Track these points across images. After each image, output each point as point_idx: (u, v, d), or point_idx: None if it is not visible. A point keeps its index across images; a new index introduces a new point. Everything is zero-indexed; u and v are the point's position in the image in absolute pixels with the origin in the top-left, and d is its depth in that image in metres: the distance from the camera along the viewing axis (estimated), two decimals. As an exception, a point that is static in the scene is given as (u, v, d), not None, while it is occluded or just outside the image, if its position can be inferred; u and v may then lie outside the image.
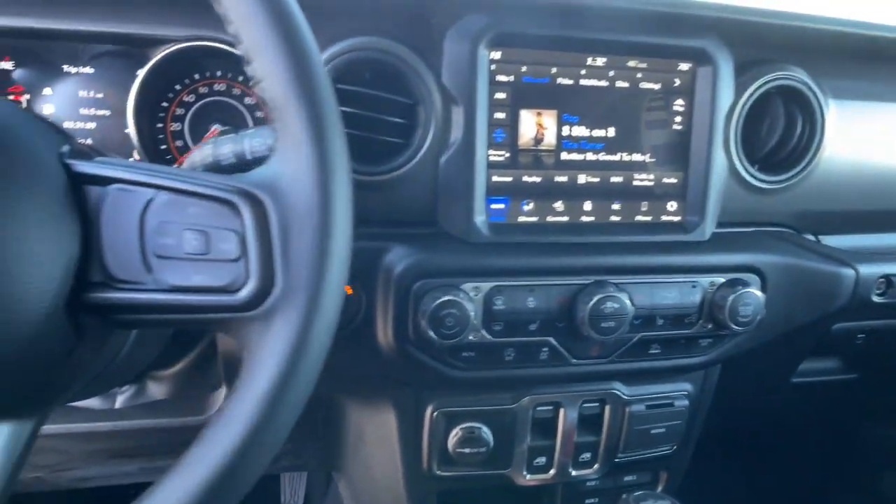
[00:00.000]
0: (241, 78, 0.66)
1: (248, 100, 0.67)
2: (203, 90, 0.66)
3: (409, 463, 0.72)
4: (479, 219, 0.62)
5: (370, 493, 0.83)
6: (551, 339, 0.64)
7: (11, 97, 0.62)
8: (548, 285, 0.63)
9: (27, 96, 0.64)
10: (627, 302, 0.62)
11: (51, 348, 0.38)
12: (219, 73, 0.66)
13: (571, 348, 0.65)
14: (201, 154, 0.53)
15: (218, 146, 0.52)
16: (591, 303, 0.61)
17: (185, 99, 0.66)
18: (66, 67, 0.65)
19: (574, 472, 0.74)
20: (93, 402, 0.80)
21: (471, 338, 0.61)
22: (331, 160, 0.37)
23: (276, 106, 0.38)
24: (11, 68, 0.63)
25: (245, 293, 0.37)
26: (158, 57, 0.60)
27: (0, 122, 0.37)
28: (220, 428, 0.36)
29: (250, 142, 0.51)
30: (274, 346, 0.37)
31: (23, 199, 0.35)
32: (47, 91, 0.65)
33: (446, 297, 0.59)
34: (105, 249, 0.37)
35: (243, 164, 0.52)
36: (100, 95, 0.65)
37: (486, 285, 0.62)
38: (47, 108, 0.65)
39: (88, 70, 0.65)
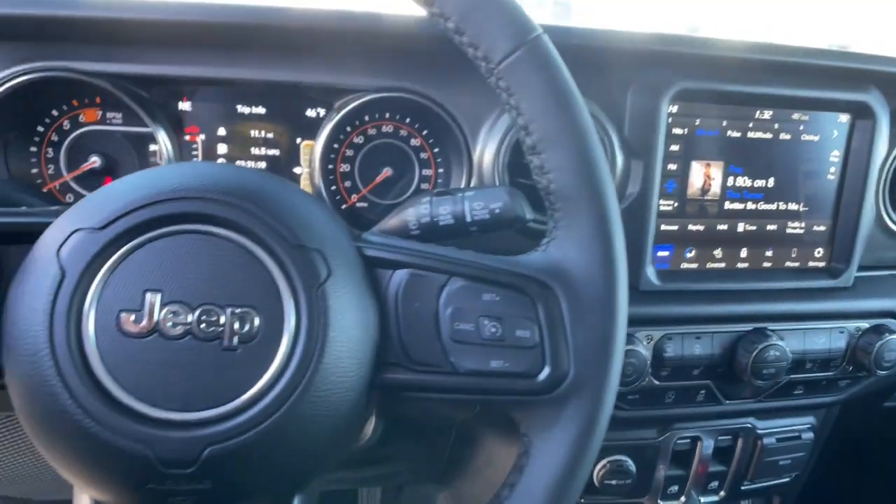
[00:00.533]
0: (407, 120, 0.67)
1: (413, 142, 0.68)
2: (371, 132, 0.67)
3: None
4: (650, 269, 0.64)
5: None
6: (710, 383, 0.67)
7: (188, 136, 0.62)
8: (712, 332, 0.65)
9: (202, 136, 0.65)
10: (787, 350, 0.65)
11: (353, 426, 0.40)
12: (387, 115, 0.67)
13: (726, 390, 0.68)
14: (416, 212, 0.54)
15: (435, 206, 0.53)
16: (756, 351, 0.64)
17: (355, 140, 0.67)
18: (239, 108, 0.65)
19: (702, 500, 0.78)
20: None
21: (642, 383, 0.64)
22: (617, 257, 0.39)
23: (563, 196, 0.39)
24: (189, 109, 0.63)
25: (542, 378, 0.39)
26: (350, 107, 0.61)
27: (312, 217, 0.38)
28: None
29: (470, 204, 0.52)
30: (568, 429, 0.39)
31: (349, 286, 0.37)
32: (221, 131, 0.65)
33: (627, 347, 0.61)
34: (402, 332, 0.39)
35: (461, 226, 0.53)
36: (270, 135, 0.66)
37: (658, 333, 0.64)
38: (220, 148, 0.66)
39: (261, 110, 0.65)
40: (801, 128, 0.67)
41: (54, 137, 0.60)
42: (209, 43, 0.59)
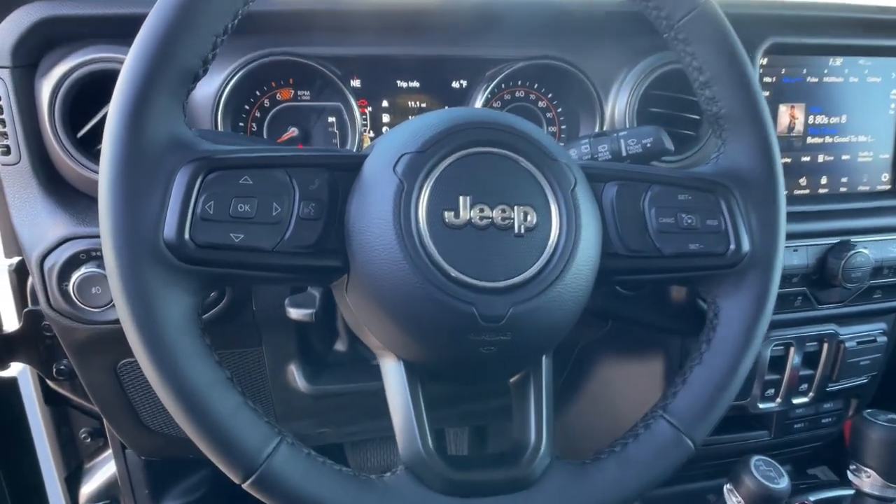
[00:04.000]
0: (535, 85, 0.79)
1: (541, 104, 0.80)
2: (507, 97, 0.79)
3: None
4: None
5: (589, 436, 0.98)
6: (805, 289, 0.80)
7: (359, 109, 0.74)
8: (806, 245, 0.78)
9: (370, 109, 0.77)
10: (871, 257, 0.77)
11: (585, 304, 0.52)
12: (519, 83, 0.79)
13: (818, 296, 0.81)
14: (578, 152, 0.66)
15: (594, 145, 0.65)
16: (845, 259, 0.76)
17: (494, 105, 0.79)
18: (398, 83, 0.77)
19: (794, 401, 0.90)
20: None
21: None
22: (776, 160, 0.52)
23: (731, 119, 0.52)
24: (359, 86, 0.75)
25: (728, 255, 0.51)
26: (503, 75, 0.73)
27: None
28: (718, 354, 0.51)
29: (625, 141, 0.64)
30: (750, 292, 0.51)
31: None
32: (384, 103, 0.77)
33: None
34: (619, 227, 0.51)
35: (617, 160, 0.65)
36: (424, 105, 0.78)
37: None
38: (384, 117, 0.78)
39: (415, 84, 0.77)
40: (866, 72, 0.80)
41: (257, 114, 0.72)
42: (378, 27, 0.71)
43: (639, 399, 0.92)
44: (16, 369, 0.94)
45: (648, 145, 0.64)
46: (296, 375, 0.79)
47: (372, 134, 0.78)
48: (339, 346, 0.81)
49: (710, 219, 0.52)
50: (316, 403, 0.83)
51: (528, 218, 0.45)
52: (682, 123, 0.74)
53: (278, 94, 0.73)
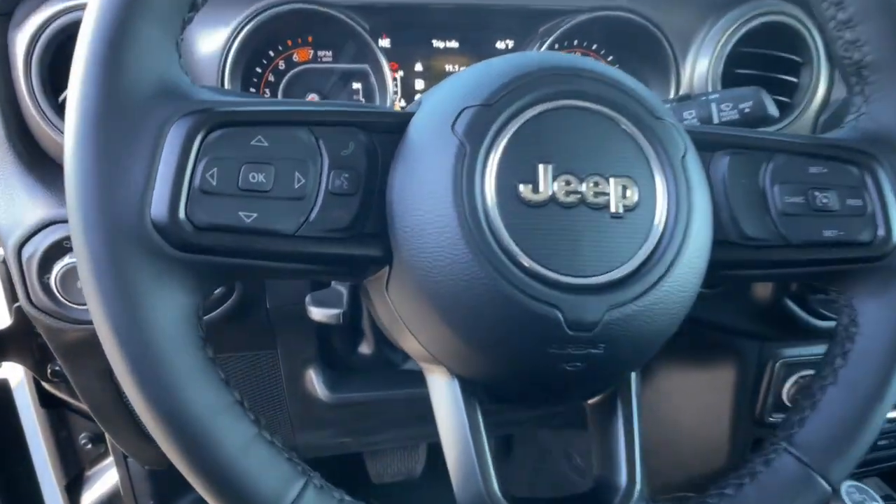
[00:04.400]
0: (594, 46, 0.67)
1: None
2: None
3: (739, 409, 0.76)
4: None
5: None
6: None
7: (389, 73, 0.63)
8: None
9: (401, 73, 0.66)
10: None
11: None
12: (575, 42, 0.68)
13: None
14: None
15: (678, 111, 0.54)
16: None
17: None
18: (434, 42, 0.66)
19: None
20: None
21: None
22: None
23: (878, 68, 0.40)
24: (388, 46, 0.65)
25: (875, 244, 0.40)
26: (560, 30, 0.62)
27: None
28: (859, 371, 0.40)
29: (717, 106, 0.53)
30: None
31: None
32: (418, 66, 0.66)
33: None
34: (733, 209, 0.40)
35: (706, 127, 0.54)
36: (463, 68, 0.67)
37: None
38: (417, 83, 0.67)
39: (454, 44, 0.67)
40: None
41: (271, 78, 0.62)
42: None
43: (704, 414, 0.81)
44: (7, 370, 0.87)
45: (747, 111, 0.52)
46: (315, 382, 0.69)
47: (403, 103, 0.68)
48: (365, 348, 0.71)
49: (851, 198, 0.40)
50: (337, 412, 0.74)
51: (628, 193, 0.34)
52: (774, 88, 0.62)
53: (295, 55, 0.63)
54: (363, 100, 0.64)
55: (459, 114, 0.34)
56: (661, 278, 0.34)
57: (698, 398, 0.79)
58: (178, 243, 0.32)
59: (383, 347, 0.72)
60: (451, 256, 0.33)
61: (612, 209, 0.34)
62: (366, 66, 0.62)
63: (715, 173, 0.40)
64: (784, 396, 0.74)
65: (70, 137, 0.31)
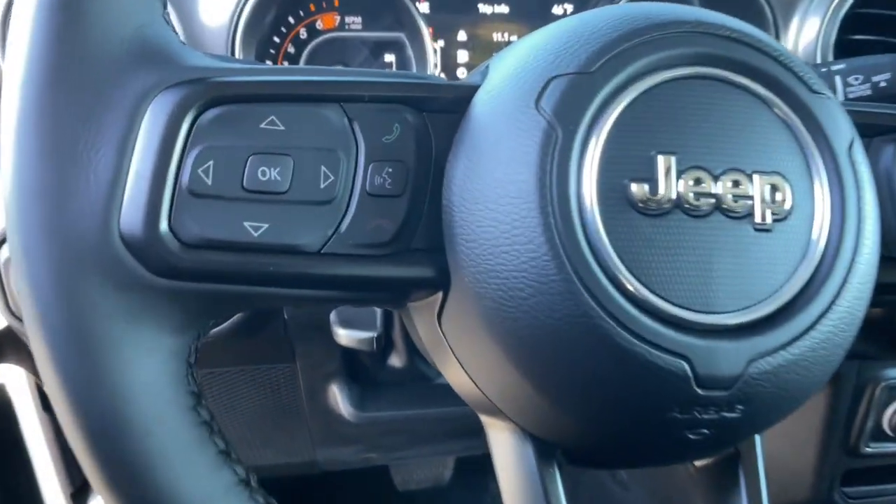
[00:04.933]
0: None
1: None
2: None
3: (829, 437, 0.66)
4: None
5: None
6: None
7: (430, 43, 0.54)
8: None
9: (441, 43, 0.57)
10: None
11: None
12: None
13: None
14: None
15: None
16: None
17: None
18: (481, 7, 0.57)
19: None
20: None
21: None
22: None
23: None
24: (427, 12, 0.55)
25: None
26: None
27: None
28: None
29: (843, 79, 0.42)
30: None
31: None
32: (461, 35, 0.57)
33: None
34: None
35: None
36: (514, 38, 0.58)
37: None
38: (460, 55, 0.58)
39: (504, 9, 0.57)
40: None
41: (290, 49, 0.53)
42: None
43: (788, 440, 0.71)
44: (5, 373, 0.83)
45: (883, 84, 0.42)
46: (339, 399, 0.61)
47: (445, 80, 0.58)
48: (395, 360, 0.62)
49: None
50: (362, 430, 0.66)
51: (779, 197, 0.25)
52: None
53: (319, 21, 0.54)
54: (396, 75, 0.55)
55: (546, 85, 0.25)
56: (822, 314, 0.25)
57: (782, 423, 0.69)
58: (159, 266, 0.23)
59: (416, 360, 0.64)
60: (533, 283, 0.24)
61: (758, 219, 0.25)
62: (401, 35, 0.53)
63: (877, 166, 0.30)
64: (885, 424, 0.64)
65: (7, 117, 0.22)
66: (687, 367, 0.24)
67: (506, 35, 0.57)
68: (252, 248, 0.24)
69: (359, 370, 0.64)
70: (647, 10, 0.27)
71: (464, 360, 0.29)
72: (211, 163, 0.24)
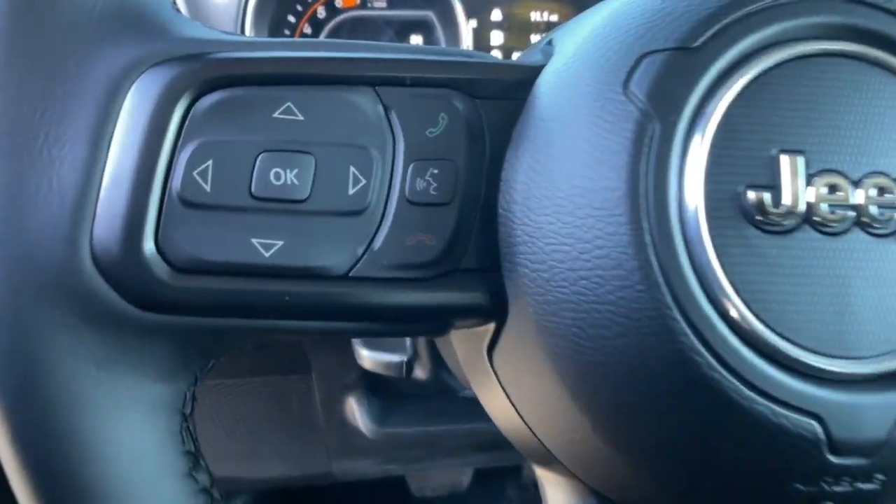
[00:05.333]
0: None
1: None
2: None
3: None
4: None
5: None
6: None
7: (464, 22, 0.48)
8: None
9: (473, 23, 0.51)
10: None
11: None
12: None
13: None
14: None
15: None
16: None
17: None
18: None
19: None
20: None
21: None
22: None
23: None
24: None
25: None
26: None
27: None
28: None
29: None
30: None
31: None
32: (496, 15, 0.52)
33: None
34: None
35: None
36: (555, 17, 0.52)
37: None
38: (494, 37, 0.52)
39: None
40: None
41: (307, 30, 0.48)
42: None
43: None
44: None
45: None
46: (357, 413, 0.56)
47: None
48: (419, 371, 0.58)
49: None
50: (382, 444, 0.62)
51: None
52: None
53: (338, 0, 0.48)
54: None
55: (636, 63, 0.20)
56: None
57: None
58: (143, 297, 0.19)
59: (441, 371, 0.59)
60: (622, 319, 0.19)
61: None
62: (429, 14, 0.47)
63: None
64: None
65: None
66: (819, 428, 0.19)
67: (545, 15, 0.51)
68: (263, 271, 0.20)
69: (378, 382, 0.59)
70: None
71: (519, 402, 0.24)
72: (210, 163, 0.19)
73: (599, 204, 0.19)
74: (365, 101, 0.20)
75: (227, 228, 0.19)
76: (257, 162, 0.19)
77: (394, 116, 0.21)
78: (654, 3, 0.21)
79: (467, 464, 0.84)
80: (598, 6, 0.24)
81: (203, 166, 0.19)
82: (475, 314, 0.23)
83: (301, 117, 0.20)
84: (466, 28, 0.49)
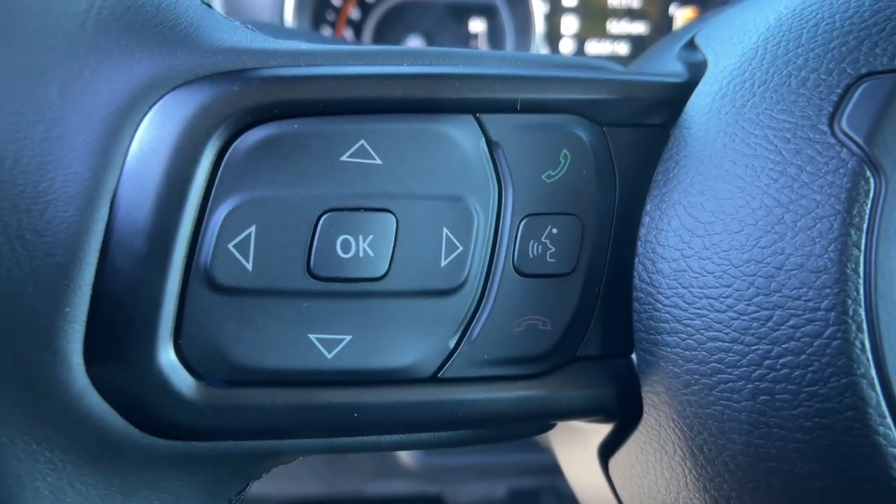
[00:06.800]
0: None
1: None
2: None
3: None
4: None
5: None
6: None
7: (537, 6, 0.42)
8: None
9: (546, 8, 0.45)
10: None
11: None
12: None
13: None
14: None
15: None
16: None
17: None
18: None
19: None
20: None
21: None
22: None
23: None
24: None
25: None
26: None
27: None
28: None
29: None
30: None
31: None
32: (569, 0, 0.45)
33: None
34: None
35: None
36: (635, 4, 0.45)
37: None
38: (567, 25, 0.46)
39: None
40: None
41: (354, 15, 0.42)
42: None
43: None
44: None
45: None
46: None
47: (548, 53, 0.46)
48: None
49: None
50: (423, 470, 0.58)
51: None
52: None
53: (390, -20, 0.43)
54: (488, 48, 0.43)
55: (848, 90, 0.13)
56: None
57: None
58: (159, 421, 0.13)
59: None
60: (819, 443, 0.13)
61: None
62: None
63: None
64: None
65: None
66: None
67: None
68: (323, 378, 0.14)
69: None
70: None
71: None
72: (252, 230, 0.13)
73: (795, 291, 0.14)
74: (463, 135, 0.15)
75: (277, 322, 0.14)
76: (319, 226, 0.14)
77: (501, 155, 0.15)
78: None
79: (504, 483, 0.80)
80: None
81: (243, 235, 0.13)
82: (596, 413, 0.17)
83: (378, 160, 0.14)
84: (538, 12, 0.42)
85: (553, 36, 0.45)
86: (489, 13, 0.43)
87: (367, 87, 0.14)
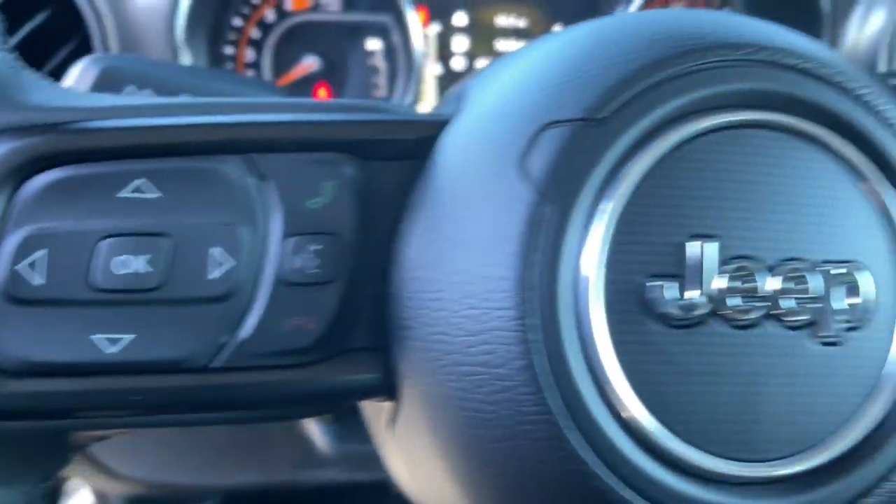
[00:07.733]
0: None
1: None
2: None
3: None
4: None
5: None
6: None
7: (421, 27, 0.46)
8: None
9: (437, 28, 0.48)
10: None
11: None
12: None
13: None
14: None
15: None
16: None
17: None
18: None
19: None
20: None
21: None
22: None
23: None
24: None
25: None
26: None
27: None
28: None
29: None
30: None
31: None
32: (460, 19, 0.48)
33: None
34: None
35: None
36: (523, 24, 0.49)
37: None
38: (457, 43, 0.49)
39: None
40: None
41: (254, 34, 0.45)
42: None
43: None
44: None
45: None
46: (312, 430, 0.55)
47: (440, 72, 0.50)
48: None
49: None
50: (340, 459, 0.61)
51: (854, 295, 0.18)
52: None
53: (288, 0, 0.45)
54: (384, 65, 0.47)
55: (536, 135, 0.17)
56: None
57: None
58: None
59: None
60: (508, 424, 0.17)
61: (824, 328, 0.17)
62: (385, 20, 0.44)
63: None
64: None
65: None
66: None
67: (512, 18, 0.49)
68: (104, 369, 0.18)
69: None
70: (686, 22, 0.19)
71: (415, 479, 0.22)
72: (43, 252, 0.17)
73: (486, 295, 0.17)
74: (234, 171, 0.18)
75: (64, 324, 0.17)
76: (100, 250, 0.17)
77: (270, 186, 0.19)
78: (567, 59, 0.19)
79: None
80: (521, 50, 0.22)
81: (33, 257, 0.17)
82: (369, 394, 0.21)
83: (156, 194, 0.18)
84: (423, 33, 0.46)
85: (445, 54, 0.49)
86: (383, 33, 0.47)
87: (145, 134, 0.18)
